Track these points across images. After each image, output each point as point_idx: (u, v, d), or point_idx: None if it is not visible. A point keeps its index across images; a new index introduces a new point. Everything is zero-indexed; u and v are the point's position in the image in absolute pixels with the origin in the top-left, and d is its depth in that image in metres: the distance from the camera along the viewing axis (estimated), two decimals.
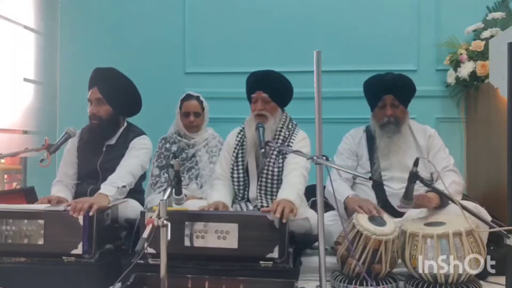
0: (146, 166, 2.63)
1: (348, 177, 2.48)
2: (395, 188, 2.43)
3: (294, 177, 2.38)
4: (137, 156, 2.56)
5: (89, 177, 2.59)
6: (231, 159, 2.60)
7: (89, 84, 2.61)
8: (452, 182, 2.32)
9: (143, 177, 2.71)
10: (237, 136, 2.63)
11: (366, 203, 2.23)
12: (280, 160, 2.51)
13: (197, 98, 2.96)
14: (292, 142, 2.53)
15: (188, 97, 2.96)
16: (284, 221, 2.06)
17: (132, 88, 2.66)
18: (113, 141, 2.63)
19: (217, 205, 2.34)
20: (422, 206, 2.19)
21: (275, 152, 2.51)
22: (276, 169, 2.50)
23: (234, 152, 2.60)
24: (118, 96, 2.60)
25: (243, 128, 2.63)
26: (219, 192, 2.51)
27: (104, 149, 2.60)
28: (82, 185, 2.61)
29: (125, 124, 2.70)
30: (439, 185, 2.14)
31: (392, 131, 2.46)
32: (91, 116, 2.57)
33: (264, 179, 2.52)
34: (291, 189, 2.31)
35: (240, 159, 2.59)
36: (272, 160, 2.51)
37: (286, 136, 2.55)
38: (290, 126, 2.60)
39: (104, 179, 2.44)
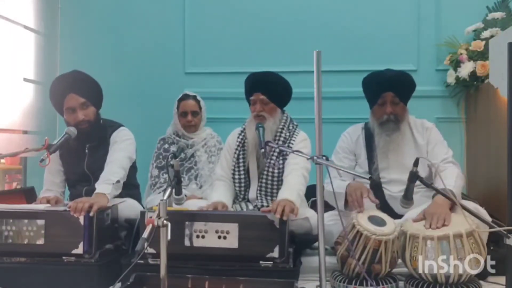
0: (133, 157, 2.60)
1: (346, 179, 2.47)
2: (393, 191, 2.40)
3: (294, 178, 2.37)
4: (122, 149, 2.53)
5: (80, 180, 2.58)
6: (232, 160, 2.60)
7: (58, 94, 2.50)
8: (456, 177, 2.29)
9: (134, 169, 2.70)
10: (238, 137, 2.63)
11: (359, 190, 2.20)
12: (281, 161, 2.51)
13: (194, 97, 2.97)
14: (292, 143, 2.52)
15: (185, 96, 2.97)
16: (284, 218, 2.06)
17: (97, 82, 2.59)
18: (94, 141, 2.59)
19: (216, 205, 2.34)
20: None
21: (275, 153, 2.51)
22: (276, 170, 2.50)
23: (235, 153, 2.60)
24: (96, 94, 2.57)
25: (244, 128, 2.63)
26: (219, 192, 2.51)
27: (86, 151, 2.56)
28: (75, 188, 2.60)
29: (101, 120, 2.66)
30: (443, 180, 2.12)
31: (391, 129, 2.43)
32: (80, 122, 2.46)
33: (264, 180, 2.52)
34: (292, 189, 2.30)
35: (241, 160, 2.58)
36: (272, 161, 2.51)
37: (287, 137, 2.55)
38: (291, 127, 2.59)
39: (95, 179, 2.42)
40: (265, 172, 2.52)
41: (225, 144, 2.71)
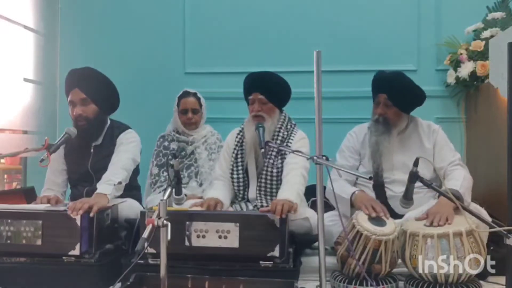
0: (137, 159, 2.61)
1: (349, 179, 2.47)
2: (396, 191, 2.40)
3: (294, 177, 2.37)
4: (127, 151, 2.54)
5: (83, 180, 2.58)
6: (230, 160, 2.60)
7: (66, 87, 2.56)
8: (463, 178, 2.29)
9: (137, 171, 2.70)
10: (237, 137, 2.63)
11: (372, 202, 2.21)
12: (279, 161, 2.51)
13: (195, 94, 2.97)
14: (290, 142, 2.53)
15: (186, 94, 2.96)
16: (283, 216, 2.06)
17: (111, 84, 2.62)
18: (99, 141, 2.60)
19: (209, 201, 2.33)
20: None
21: (273, 153, 2.51)
22: (275, 170, 2.50)
23: (233, 152, 2.61)
24: (101, 94, 2.57)
25: (243, 128, 2.63)
26: (215, 190, 2.52)
27: (92, 150, 2.58)
28: (77, 188, 2.60)
29: (109, 121, 2.67)
30: (449, 181, 2.13)
31: (380, 131, 2.42)
32: (77, 117, 2.50)
33: (263, 180, 2.52)
34: (291, 189, 2.30)
35: (239, 160, 2.59)
36: (271, 161, 2.51)
37: (285, 136, 2.55)
38: (289, 126, 2.60)
39: (98, 180, 2.43)
40: (264, 172, 2.52)
41: (224, 144, 2.72)
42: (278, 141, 2.52)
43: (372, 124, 2.48)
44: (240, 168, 2.58)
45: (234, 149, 2.61)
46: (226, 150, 2.66)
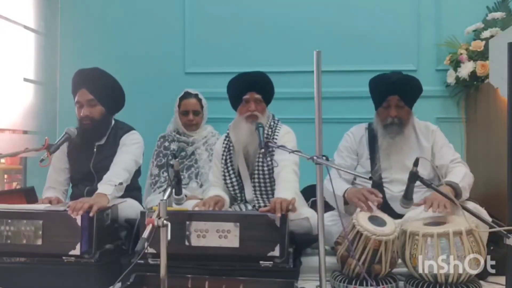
0: (139, 161, 2.62)
1: (347, 178, 2.47)
2: (394, 191, 2.42)
3: (287, 175, 2.38)
4: (130, 152, 2.54)
5: (84, 179, 2.58)
6: (221, 166, 2.61)
7: (74, 87, 2.57)
8: (465, 174, 2.31)
9: (138, 173, 2.71)
10: (223, 142, 2.64)
11: (363, 191, 2.22)
12: (269, 158, 2.50)
13: (196, 96, 2.96)
14: (276, 138, 2.52)
15: (187, 95, 2.96)
16: (280, 214, 2.05)
17: (118, 85, 2.63)
18: (103, 141, 2.61)
19: (210, 200, 2.35)
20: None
21: (262, 151, 2.51)
22: (266, 168, 2.50)
23: (222, 158, 2.61)
24: (108, 95, 2.58)
25: (228, 134, 2.63)
26: (215, 190, 2.54)
27: (95, 150, 2.58)
28: (78, 187, 2.61)
29: (113, 122, 2.68)
30: (451, 176, 2.17)
31: (395, 132, 2.44)
32: (83, 118, 2.52)
33: (257, 180, 2.53)
34: (287, 188, 2.31)
35: (229, 164, 2.59)
36: (260, 159, 2.51)
37: (269, 133, 2.56)
38: (272, 123, 2.60)
39: (99, 180, 2.43)
40: (256, 172, 2.53)
41: (214, 151, 2.73)
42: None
43: (382, 127, 2.46)
44: (231, 172, 2.58)
45: (222, 154, 2.61)
46: (216, 157, 2.66)
